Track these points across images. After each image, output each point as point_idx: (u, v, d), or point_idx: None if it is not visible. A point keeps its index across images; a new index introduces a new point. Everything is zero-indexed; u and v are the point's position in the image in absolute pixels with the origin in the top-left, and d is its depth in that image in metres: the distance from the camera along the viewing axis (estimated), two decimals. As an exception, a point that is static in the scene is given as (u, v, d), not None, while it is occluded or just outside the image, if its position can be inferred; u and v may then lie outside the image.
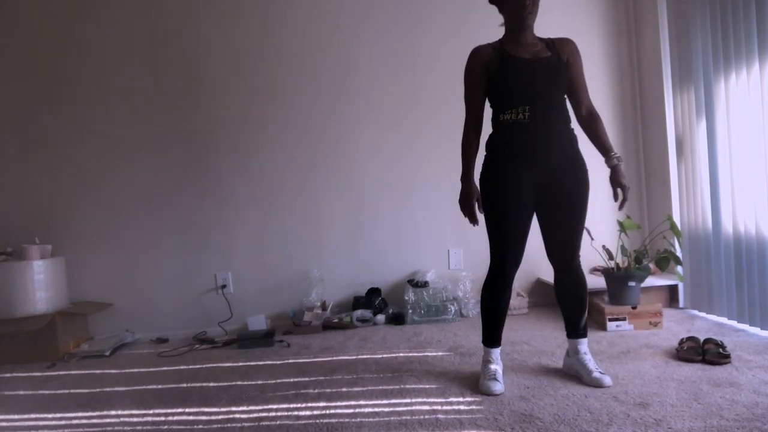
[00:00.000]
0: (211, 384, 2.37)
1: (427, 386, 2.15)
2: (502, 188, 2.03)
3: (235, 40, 3.48)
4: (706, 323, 2.86)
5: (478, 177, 2.12)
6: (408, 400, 2.01)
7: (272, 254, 3.51)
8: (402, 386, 2.16)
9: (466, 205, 2.09)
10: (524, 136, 2.01)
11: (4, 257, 3.06)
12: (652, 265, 3.15)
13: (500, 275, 2.09)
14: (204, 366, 2.67)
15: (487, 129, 2.13)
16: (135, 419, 2.01)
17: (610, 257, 2.95)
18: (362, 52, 3.54)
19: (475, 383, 2.12)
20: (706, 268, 2.95)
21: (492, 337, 2.17)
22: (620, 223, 3.03)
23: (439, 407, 1.92)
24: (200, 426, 1.91)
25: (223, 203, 3.49)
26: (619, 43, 3.63)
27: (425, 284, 3.35)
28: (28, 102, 3.40)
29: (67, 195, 3.41)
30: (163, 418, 2.00)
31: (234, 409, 2.05)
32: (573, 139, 2.09)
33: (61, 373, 2.72)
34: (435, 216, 3.57)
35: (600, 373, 2.06)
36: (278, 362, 2.63)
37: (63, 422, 2.03)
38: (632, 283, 2.84)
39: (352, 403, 2.02)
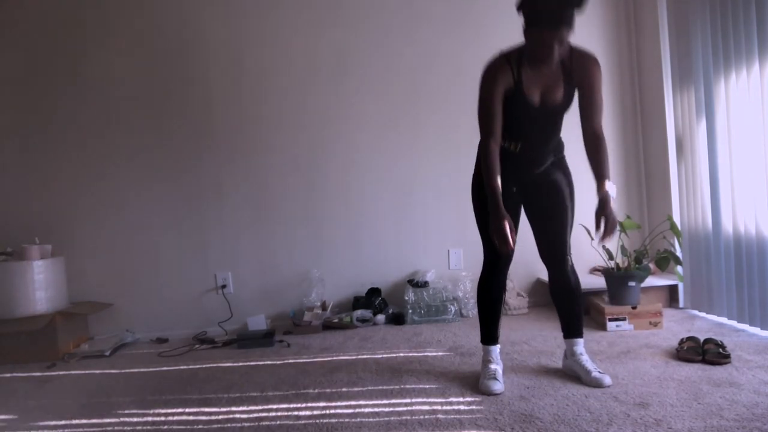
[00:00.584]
0: (211, 384, 2.37)
1: (427, 386, 2.15)
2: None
3: (235, 40, 3.48)
4: (706, 323, 2.86)
5: (473, 177, 2.17)
6: (408, 400, 2.01)
7: (272, 254, 3.51)
8: (402, 386, 2.16)
9: (498, 229, 1.91)
10: (512, 160, 2.06)
11: (4, 257, 3.05)
12: (652, 265, 3.15)
13: (494, 271, 2.14)
14: (204, 366, 2.67)
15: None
16: (135, 419, 2.01)
17: (610, 257, 2.95)
18: (362, 51, 3.53)
19: (475, 383, 2.12)
20: (706, 268, 2.95)
21: (490, 334, 2.20)
22: (620, 223, 3.02)
23: (439, 407, 1.92)
24: (200, 426, 1.91)
25: (224, 203, 3.48)
26: (619, 43, 3.62)
27: (425, 284, 3.35)
28: (28, 102, 3.39)
29: (67, 195, 3.41)
30: (163, 418, 2.00)
31: (234, 409, 2.05)
32: (560, 149, 2.16)
33: (61, 373, 2.72)
34: (435, 216, 3.57)
35: (599, 372, 2.06)
36: (278, 362, 2.63)
37: (63, 422, 2.03)
38: (632, 283, 2.84)
39: (352, 403, 2.02)
